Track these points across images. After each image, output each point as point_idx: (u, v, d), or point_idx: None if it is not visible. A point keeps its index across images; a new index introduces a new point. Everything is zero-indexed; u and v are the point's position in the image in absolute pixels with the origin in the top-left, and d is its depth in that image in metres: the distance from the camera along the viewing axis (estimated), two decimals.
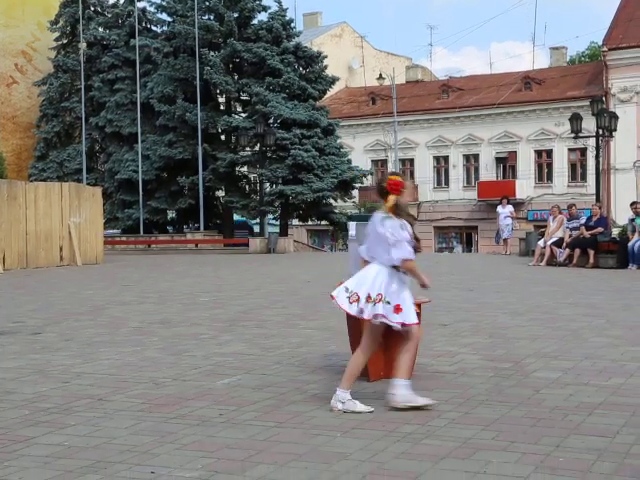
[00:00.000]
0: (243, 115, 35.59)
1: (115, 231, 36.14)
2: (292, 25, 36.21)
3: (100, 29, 39.01)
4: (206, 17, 35.63)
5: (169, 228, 38.06)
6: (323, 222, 36.61)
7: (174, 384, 5.72)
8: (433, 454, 3.97)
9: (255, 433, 4.40)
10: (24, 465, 3.87)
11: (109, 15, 39.28)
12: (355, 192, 37.25)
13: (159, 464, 3.87)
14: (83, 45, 37.27)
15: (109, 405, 5.09)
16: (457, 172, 43.92)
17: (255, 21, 35.88)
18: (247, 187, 36.87)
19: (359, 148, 45.01)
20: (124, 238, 35.11)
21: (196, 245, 32.85)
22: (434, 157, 44.73)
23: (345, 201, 35.67)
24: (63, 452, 4.08)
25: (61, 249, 21.96)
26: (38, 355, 7.08)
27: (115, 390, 5.53)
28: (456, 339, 7.60)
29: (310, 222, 37.71)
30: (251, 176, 36.68)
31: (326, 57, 36.03)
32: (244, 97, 35.85)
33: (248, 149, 35.24)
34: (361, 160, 42.09)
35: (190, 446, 4.16)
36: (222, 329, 8.60)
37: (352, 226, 6.57)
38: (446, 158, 44.37)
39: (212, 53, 34.28)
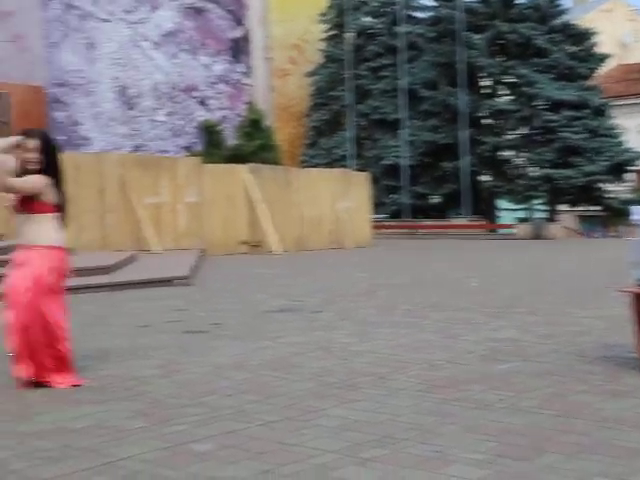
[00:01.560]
0: (508, 98, 34.87)
1: (382, 216, 36.98)
2: (559, 2, 34.84)
3: (366, 18, 40.04)
4: (471, 0, 35.30)
5: (433, 213, 38.28)
6: (593, 207, 34.93)
7: (450, 367, 5.77)
8: None
9: (538, 421, 4.31)
10: (317, 434, 4.10)
11: (375, 4, 40.16)
12: (630, 175, 35.12)
13: (443, 443, 3.92)
14: (351, 35, 38.45)
15: (390, 384, 5.24)
16: None
17: (521, 0, 34.96)
18: (512, 171, 36.10)
19: (634, 128, 42.33)
20: (391, 223, 35.85)
21: (461, 230, 32.79)
22: None
23: (619, 185, 33.77)
24: (351, 425, 4.26)
25: (331, 233, 22.91)
26: (319, 332, 7.46)
27: (394, 369, 5.69)
28: None
29: (579, 207, 36.14)
30: (516, 160, 35.87)
31: (597, 34, 34.26)
32: (509, 79, 35.10)
33: (513, 132, 34.48)
34: (637, 141, 39.57)
35: (473, 429, 4.17)
36: (493, 314, 8.52)
37: (636, 211, 6.22)
38: None
39: (476, 36, 33.91)
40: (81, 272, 11.68)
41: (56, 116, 27.33)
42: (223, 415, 4.49)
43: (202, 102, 34.14)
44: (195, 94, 33.73)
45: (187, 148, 32.50)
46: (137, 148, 30.16)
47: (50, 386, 5.18)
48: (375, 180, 36.56)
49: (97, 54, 29.36)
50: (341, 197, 23.27)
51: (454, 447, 3.87)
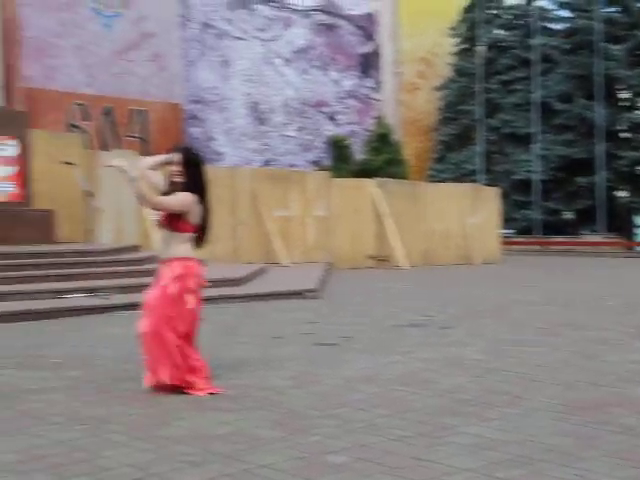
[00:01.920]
0: None
1: (511, 231, 36.18)
2: None
3: (498, 31, 39.45)
4: (609, 10, 34.21)
5: (565, 229, 37.15)
6: None
7: (590, 388, 5.56)
8: None
9: None
10: (452, 451, 4.04)
11: (508, 16, 39.53)
12: None
13: (584, 467, 3.78)
14: (482, 48, 37.98)
15: (526, 403, 5.10)
16: None
17: None
18: None
19: None
20: (520, 239, 35.01)
21: (595, 248, 31.64)
22: None
23: None
24: (486, 444, 4.18)
25: (459, 248, 22.62)
26: (450, 348, 7.36)
27: (529, 389, 5.53)
28: None
29: None
30: None
31: None
32: None
33: None
34: None
35: (617, 454, 4.00)
36: (635, 335, 8.17)
37: None
38: None
39: (615, 47, 32.79)
40: (214, 284, 12.01)
41: (192, 132, 28.30)
42: (356, 428, 4.50)
43: (331, 117, 34.53)
44: (324, 109, 34.15)
45: (316, 163, 32.90)
46: (267, 163, 30.79)
47: (188, 393, 5.34)
48: (505, 195, 35.89)
49: (231, 71, 30.24)
50: (470, 212, 22.95)
51: (597, 472, 3.72)
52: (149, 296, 5.48)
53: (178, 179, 5.43)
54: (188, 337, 5.47)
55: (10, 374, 6.09)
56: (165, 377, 5.37)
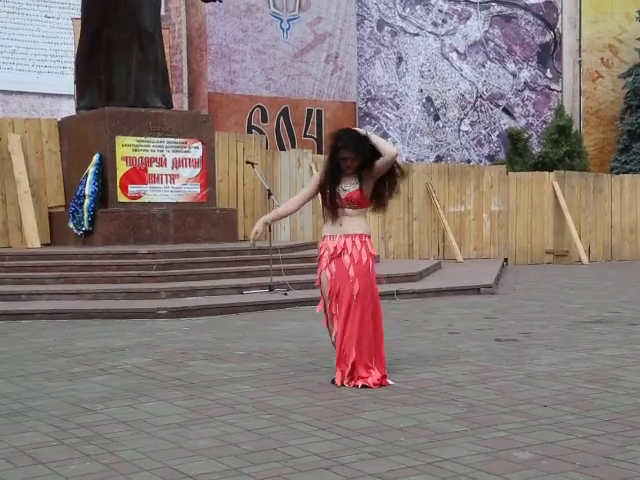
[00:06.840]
0: None
1: None
2: None
3: None
4: None
5: None
6: None
7: None
8: None
9: None
10: None
11: None
12: None
13: None
14: None
15: None
16: None
17: None
18: None
19: None
20: None
21: None
22: None
23: None
24: None
25: None
26: (638, 346, 7.02)
27: None
28: None
29: None
30: None
31: None
32: None
33: None
34: None
35: None
36: None
37: None
38: None
39: None
40: (389, 279, 12.09)
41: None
42: (541, 425, 4.39)
43: (506, 110, 33.75)
44: (500, 102, 33.44)
45: (490, 157, 32.28)
46: (440, 158, 30.54)
47: (368, 386, 5.39)
48: None
49: (405, 68, 30.26)
50: None
51: None
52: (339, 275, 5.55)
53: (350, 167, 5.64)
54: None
55: (200, 365, 6.40)
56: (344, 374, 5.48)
